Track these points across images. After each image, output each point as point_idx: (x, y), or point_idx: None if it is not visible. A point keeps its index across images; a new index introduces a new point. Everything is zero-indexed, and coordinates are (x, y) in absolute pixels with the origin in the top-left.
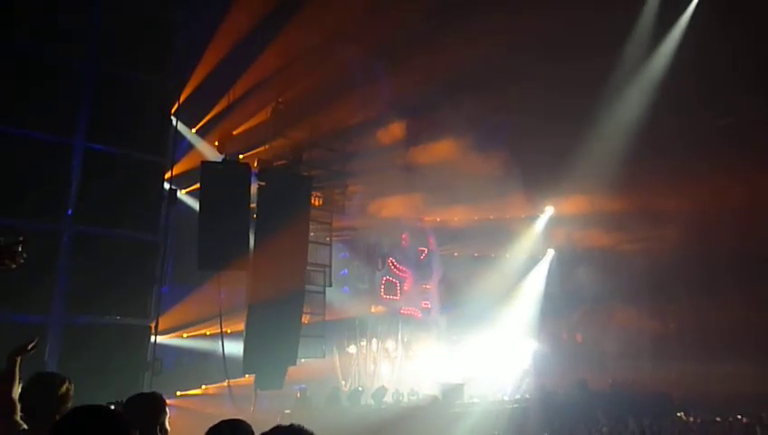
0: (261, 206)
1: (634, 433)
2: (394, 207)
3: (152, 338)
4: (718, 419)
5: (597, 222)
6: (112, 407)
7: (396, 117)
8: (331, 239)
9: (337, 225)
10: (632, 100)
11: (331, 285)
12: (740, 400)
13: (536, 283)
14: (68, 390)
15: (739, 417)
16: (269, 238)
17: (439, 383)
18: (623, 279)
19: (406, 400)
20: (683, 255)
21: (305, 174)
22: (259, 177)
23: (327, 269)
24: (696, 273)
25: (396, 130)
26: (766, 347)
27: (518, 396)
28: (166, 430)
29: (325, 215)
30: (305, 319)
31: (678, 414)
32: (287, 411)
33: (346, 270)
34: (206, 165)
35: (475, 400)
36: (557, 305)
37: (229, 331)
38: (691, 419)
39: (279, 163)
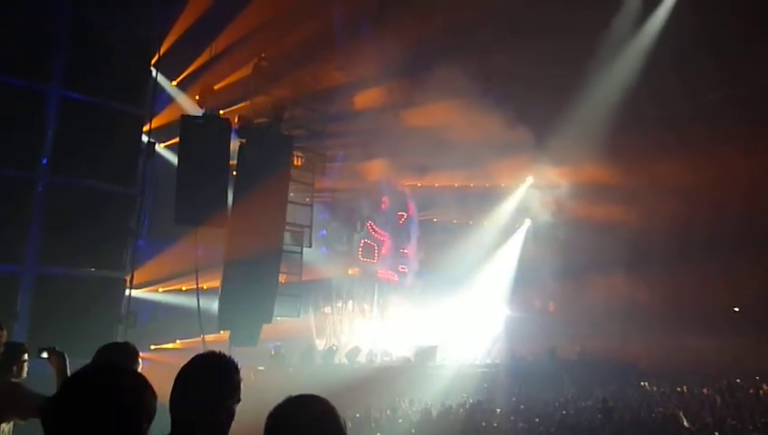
0: (241, 163)
1: (598, 400)
2: (375, 170)
3: (127, 291)
4: (679, 389)
5: (575, 193)
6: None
7: (380, 79)
8: (311, 200)
9: (318, 186)
10: (616, 74)
11: (310, 246)
12: (705, 372)
13: (512, 251)
14: (1, 336)
15: (704, 391)
16: (248, 196)
17: (413, 345)
18: (598, 250)
19: (379, 360)
20: (658, 228)
21: (286, 133)
22: (239, 133)
23: (306, 230)
24: (670, 247)
25: (380, 92)
26: (733, 322)
27: (488, 361)
28: None
29: (306, 175)
30: (282, 278)
31: (642, 383)
32: (261, 368)
33: (325, 231)
34: (186, 119)
35: (447, 362)
36: (531, 274)
37: (205, 287)
38: (655, 388)
39: (260, 121)
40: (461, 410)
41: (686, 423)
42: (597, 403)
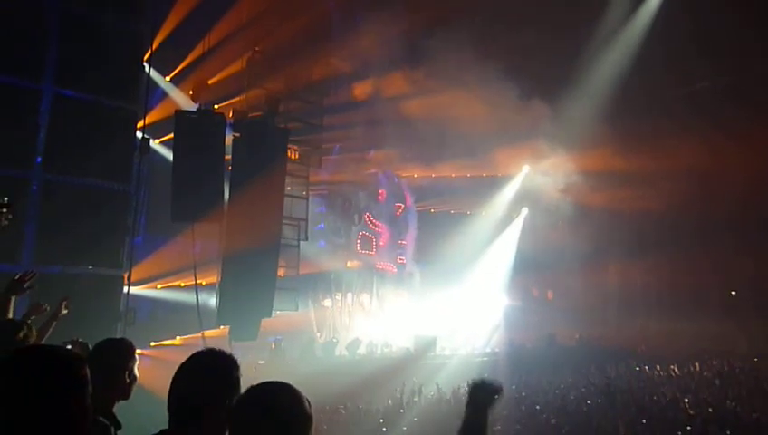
0: (236, 157)
1: (597, 385)
2: (372, 161)
3: (125, 288)
4: (678, 372)
5: (572, 182)
6: (69, 347)
7: (375, 70)
8: (307, 193)
9: (314, 178)
10: (611, 62)
11: (306, 239)
12: (703, 355)
13: (510, 240)
14: (26, 336)
15: (703, 374)
16: (244, 191)
17: (413, 336)
18: (595, 238)
19: (379, 351)
20: (654, 215)
21: (282, 126)
22: (234, 128)
23: (303, 223)
24: (666, 232)
25: (375, 83)
26: (730, 305)
27: (488, 350)
28: (134, 377)
29: (302, 168)
30: (280, 272)
31: (640, 367)
32: (261, 362)
33: (322, 224)
34: (180, 114)
35: (447, 352)
36: (530, 263)
37: (204, 282)
38: (654, 372)
39: (254, 114)
40: (463, 398)
41: (687, 406)
42: (598, 389)
